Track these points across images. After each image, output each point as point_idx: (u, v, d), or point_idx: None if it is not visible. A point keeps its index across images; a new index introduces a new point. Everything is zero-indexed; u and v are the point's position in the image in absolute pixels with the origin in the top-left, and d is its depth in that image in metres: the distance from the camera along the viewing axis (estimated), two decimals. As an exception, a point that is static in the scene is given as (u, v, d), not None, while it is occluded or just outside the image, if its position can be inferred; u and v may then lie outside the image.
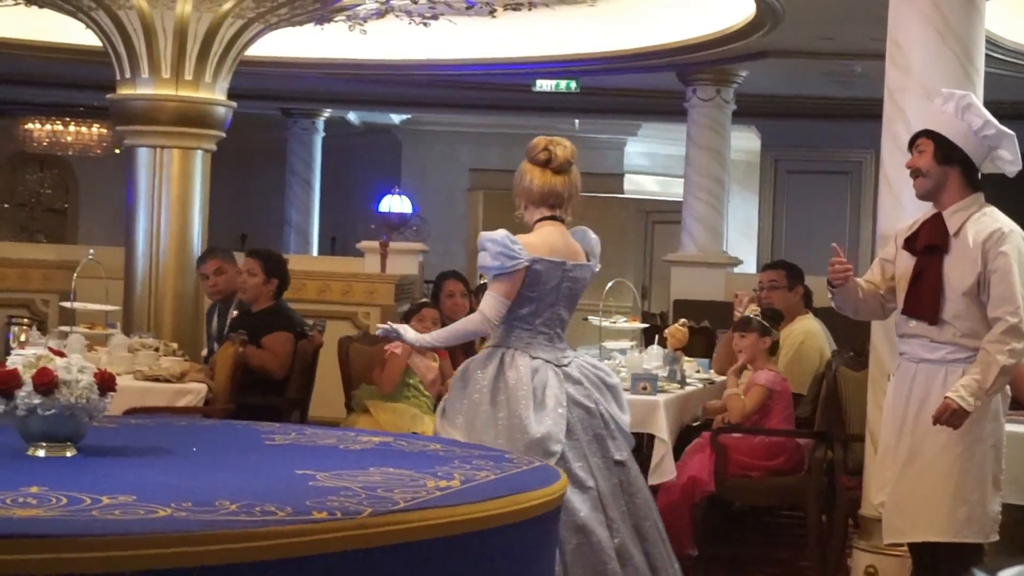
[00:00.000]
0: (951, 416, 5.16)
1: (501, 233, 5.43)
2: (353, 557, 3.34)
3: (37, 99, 18.70)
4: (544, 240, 5.49)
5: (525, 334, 5.44)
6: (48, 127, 19.11)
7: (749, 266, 16.28)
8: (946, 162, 5.37)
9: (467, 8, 10.96)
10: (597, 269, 5.69)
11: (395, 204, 15.45)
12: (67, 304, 8.16)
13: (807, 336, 8.42)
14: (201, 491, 3.54)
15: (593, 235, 5.72)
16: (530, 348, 5.42)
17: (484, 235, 5.48)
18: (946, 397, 5.18)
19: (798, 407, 7.92)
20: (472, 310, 8.37)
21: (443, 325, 7.98)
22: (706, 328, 10.70)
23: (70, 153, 19.94)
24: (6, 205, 21.88)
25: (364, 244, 12.63)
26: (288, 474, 3.95)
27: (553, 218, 5.55)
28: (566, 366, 5.44)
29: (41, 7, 10.14)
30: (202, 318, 9.27)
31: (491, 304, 5.40)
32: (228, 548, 3.14)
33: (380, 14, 10.94)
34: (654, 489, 7.28)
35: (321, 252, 18.57)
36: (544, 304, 5.45)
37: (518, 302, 5.42)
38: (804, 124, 16.54)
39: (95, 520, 3.17)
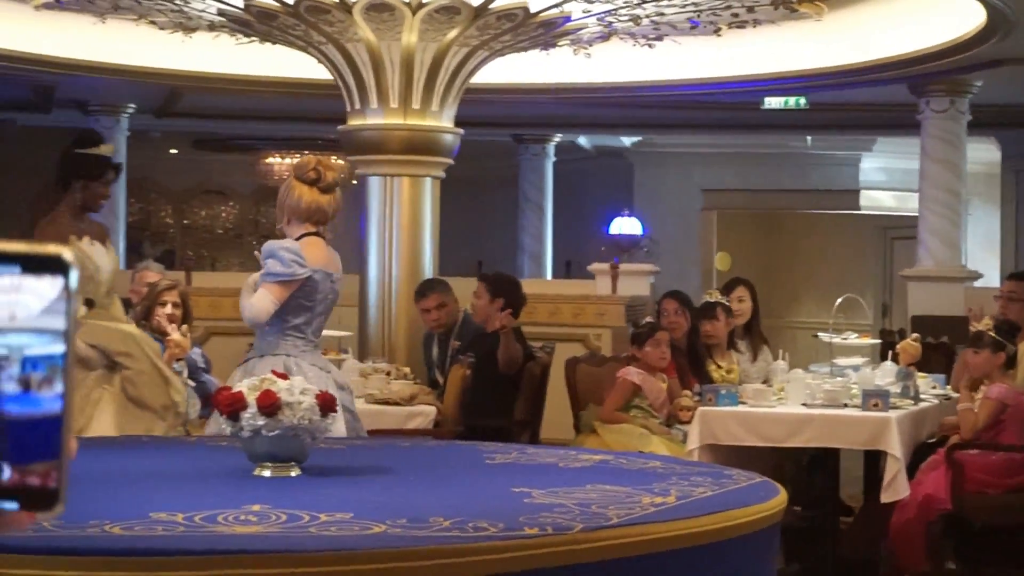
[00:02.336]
0: None
1: (291, 242, 5.65)
2: (564, 573, 3.35)
3: (276, 134, 19.22)
4: (317, 253, 5.69)
5: (300, 342, 5.66)
6: (287, 161, 19.59)
7: (992, 280, 15.86)
8: None
9: (691, 28, 10.92)
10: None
11: (625, 226, 15.47)
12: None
13: (1046, 352, 8.17)
14: (417, 508, 3.59)
15: (334, 252, 5.92)
16: (306, 356, 5.64)
17: (275, 243, 5.66)
18: None
19: (1037, 423, 7.69)
20: (693, 327, 8.38)
21: (669, 344, 8.02)
22: (944, 344, 10.47)
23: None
24: (250, 238, 22.53)
25: (595, 267, 12.67)
26: (504, 492, 3.98)
27: (316, 234, 5.74)
28: (330, 372, 5.71)
29: (275, 43, 10.44)
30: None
31: (267, 304, 5.58)
32: (439, 564, 3.19)
33: (604, 37, 10.97)
34: (887, 506, 7.17)
35: (555, 276, 18.65)
36: (315, 314, 5.69)
37: (295, 311, 5.62)
38: (1046, 134, 16.08)
39: (311, 537, 3.25)
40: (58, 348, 1.22)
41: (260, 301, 5.60)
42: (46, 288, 1.22)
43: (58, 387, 1.22)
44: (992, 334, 7.44)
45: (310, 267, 5.60)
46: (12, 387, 1.21)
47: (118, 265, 6.93)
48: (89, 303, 6.57)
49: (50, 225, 6.68)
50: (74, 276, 1.22)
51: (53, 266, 1.22)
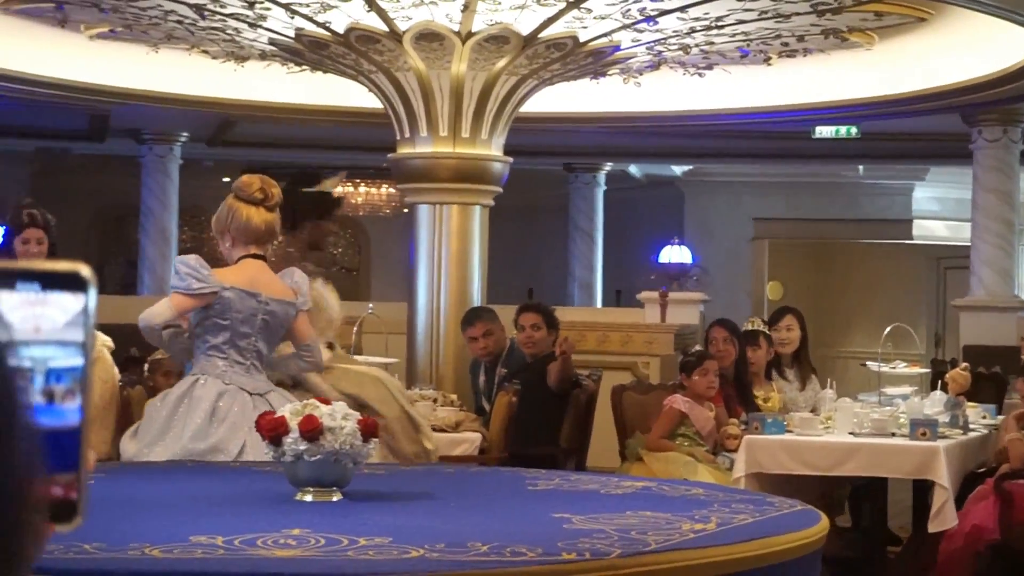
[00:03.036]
0: None
1: (194, 257, 5.59)
2: (602, 598, 3.35)
3: (327, 162, 19.32)
4: (241, 271, 5.61)
5: (221, 363, 5.56)
6: (339, 189, 19.70)
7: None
8: None
9: (741, 57, 10.92)
10: (306, 307, 5.76)
11: (674, 255, 15.47)
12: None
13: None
14: (456, 533, 3.60)
15: (300, 274, 5.83)
16: (225, 376, 5.53)
17: (178, 258, 5.64)
18: None
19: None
20: (741, 356, 8.36)
21: (718, 373, 8.01)
22: (996, 374, 10.41)
23: (360, 214, 20.53)
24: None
25: (644, 295, 12.69)
26: (545, 518, 3.99)
27: (257, 256, 5.66)
28: (264, 395, 5.53)
29: (325, 72, 10.51)
30: (483, 370, 9.43)
31: (162, 309, 5.52)
32: (476, 588, 3.20)
33: (654, 66, 11.00)
34: (935, 536, 7.12)
35: (605, 305, 18.64)
36: (238, 334, 5.56)
37: (212, 331, 5.55)
38: (1100, 162, 15.94)
39: (348, 560, 3.26)
40: (79, 361, 1.25)
41: (156, 306, 5.57)
42: (69, 302, 1.24)
43: (78, 399, 1.24)
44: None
45: (217, 283, 5.52)
46: (37, 399, 1.23)
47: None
48: (331, 346, 6.44)
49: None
50: (93, 293, 1.25)
51: (73, 283, 1.25)
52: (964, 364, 8.51)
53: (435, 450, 6.25)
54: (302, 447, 4.16)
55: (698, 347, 8.37)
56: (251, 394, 5.54)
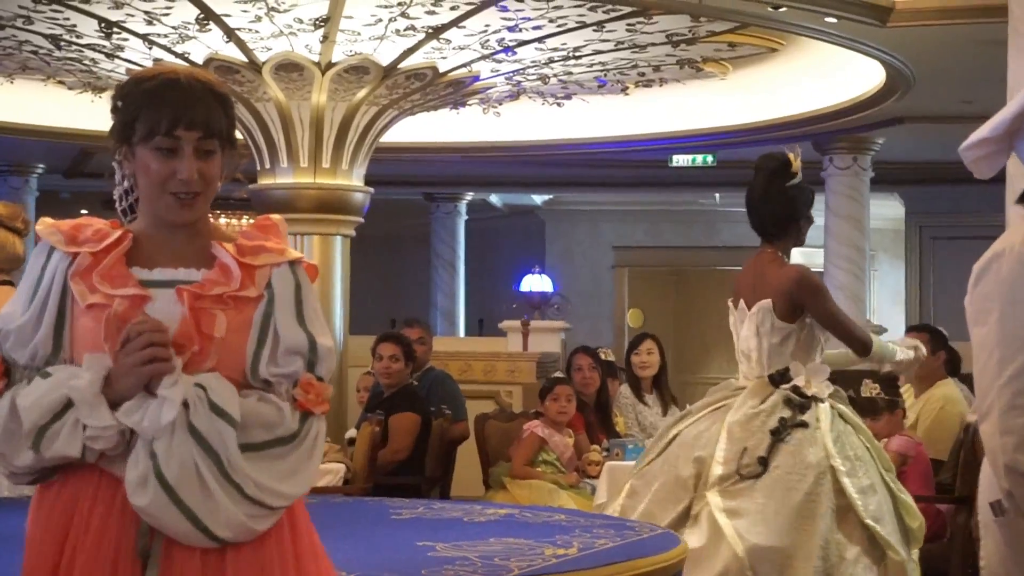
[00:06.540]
0: None
1: None
2: (465, 624, 3.39)
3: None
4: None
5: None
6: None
7: (898, 333, 16.10)
8: None
9: (599, 87, 11.06)
10: None
11: (536, 283, 15.56)
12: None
13: (946, 402, 8.31)
14: (321, 563, 3.62)
15: None
16: None
17: None
18: None
19: (939, 473, 7.81)
20: (603, 383, 8.47)
21: (577, 399, 8.09)
22: (850, 396, 10.60)
23: (221, 245, 20.35)
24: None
25: (506, 324, 12.77)
26: (409, 546, 4.03)
27: (6, 283, 5.71)
28: None
29: (184, 103, 10.44)
30: (346, 399, 9.43)
31: None
32: (341, 616, 3.22)
33: (513, 96, 11.10)
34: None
35: (468, 334, 18.70)
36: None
37: None
38: (948, 189, 16.30)
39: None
40: None
41: None
42: None
43: None
44: (882, 396, 7.53)
45: None
46: None
47: None
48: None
49: (788, 269, 5.87)
50: None
51: None
52: (817, 387, 8.65)
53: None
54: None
55: (559, 374, 8.45)
56: None
